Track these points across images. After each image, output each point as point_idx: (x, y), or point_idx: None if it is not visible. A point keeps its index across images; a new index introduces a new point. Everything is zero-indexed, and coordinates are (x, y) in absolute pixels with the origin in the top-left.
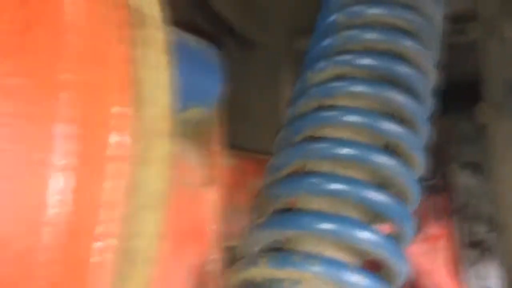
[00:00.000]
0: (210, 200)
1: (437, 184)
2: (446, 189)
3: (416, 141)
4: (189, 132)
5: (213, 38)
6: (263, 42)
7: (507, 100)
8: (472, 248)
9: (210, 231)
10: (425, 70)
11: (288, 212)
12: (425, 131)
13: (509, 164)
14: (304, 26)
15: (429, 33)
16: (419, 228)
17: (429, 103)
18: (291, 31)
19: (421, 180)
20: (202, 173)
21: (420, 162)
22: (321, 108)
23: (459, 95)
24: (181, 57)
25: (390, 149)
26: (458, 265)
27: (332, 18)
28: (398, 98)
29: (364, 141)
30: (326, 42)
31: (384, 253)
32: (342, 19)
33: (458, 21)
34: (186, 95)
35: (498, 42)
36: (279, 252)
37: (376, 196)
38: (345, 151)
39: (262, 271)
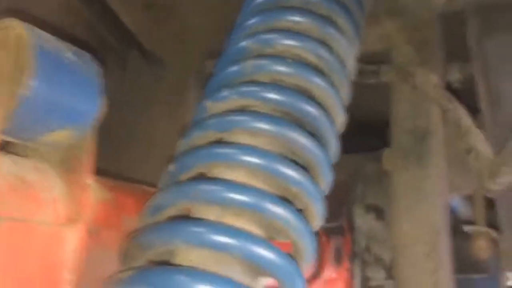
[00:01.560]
0: (70, 242)
1: (340, 226)
2: (349, 232)
3: (316, 190)
4: (54, 158)
5: (117, 51)
6: (173, 61)
7: (413, 150)
8: None
9: (65, 281)
10: (332, 111)
11: (161, 269)
12: (327, 178)
13: (409, 217)
14: (218, 49)
15: (340, 73)
16: (318, 271)
17: (334, 147)
18: (203, 53)
19: (325, 222)
20: (65, 208)
21: (319, 214)
22: (217, 143)
23: (368, 135)
24: (43, 68)
25: (288, 197)
26: None
27: (242, 44)
28: (302, 140)
29: (260, 187)
30: (232, 69)
31: (280, 272)
32: (253, 47)
33: (372, 62)
34: (49, 114)
35: (410, 89)
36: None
37: (266, 254)
38: (237, 196)
39: None
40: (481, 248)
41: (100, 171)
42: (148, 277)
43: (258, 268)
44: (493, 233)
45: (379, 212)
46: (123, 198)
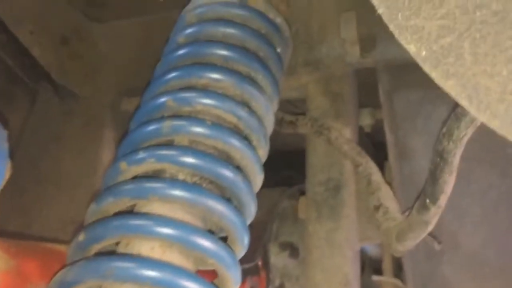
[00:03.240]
0: None
1: (256, 265)
2: (264, 269)
3: (232, 260)
4: None
5: (26, 84)
6: (87, 97)
7: (327, 201)
8: None
9: None
10: (251, 172)
11: None
12: (244, 242)
13: (321, 267)
14: (135, 87)
15: (259, 131)
16: None
17: (251, 209)
18: (119, 90)
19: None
20: None
21: (234, 281)
22: (131, 215)
23: (283, 170)
24: None
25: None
26: None
27: (161, 100)
28: (218, 208)
29: (174, 264)
30: (149, 128)
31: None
32: (171, 104)
33: (290, 111)
34: None
35: (324, 142)
36: None
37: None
38: (151, 273)
39: None
40: None
41: (2, 230)
42: None
43: None
44: (400, 284)
45: (293, 250)
46: (27, 263)
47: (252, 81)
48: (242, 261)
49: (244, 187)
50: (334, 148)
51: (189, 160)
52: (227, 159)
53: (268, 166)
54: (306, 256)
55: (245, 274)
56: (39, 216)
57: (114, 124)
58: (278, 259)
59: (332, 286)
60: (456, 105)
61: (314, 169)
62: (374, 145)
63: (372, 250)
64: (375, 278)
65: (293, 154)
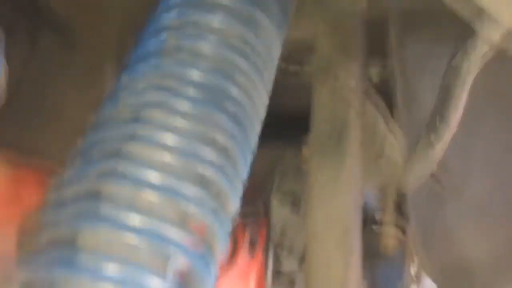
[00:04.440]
0: None
1: (257, 212)
2: (265, 219)
3: (235, 177)
4: None
5: (27, 28)
6: (88, 37)
7: (331, 143)
8: (282, 283)
9: None
10: (255, 97)
11: (63, 249)
12: (246, 166)
13: (323, 209)
14: (140, 27)
15: (265, 59)
16: (233, 257)
17: (254, 136)
18: (124, 30)
19: (242, 204)
20: None
21: (235, 201)
22: (134, 120)
23: (288, 126)
24: None
25: (203, 185)
26: None
27: (166, 15)
28: (223, 128)
29: (176, 173)
30: (153, 42)
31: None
32: (175, 23)
33: (296, 51)
34: None
35: (331, 83)
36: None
37: (177, 238)
38: (149, 177)
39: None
40: (389, 247)
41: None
42: (47, 257)
43: (169, 256)
44: (401, 234)
45: (295, 201)
46: (23, 173)
47: (262, 8)
48: (242, 202)
49: (249, 109)
50: (339, 97)
51: (195, 74)
52: None
53: (273, 123)
54: (307, 205)
55: (245, 222)
56: (40, 149)
57: (116, 65)
58: (279, 210)
59: (332, 235)
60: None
61: (318, 118)
62: (382, 96)
63: (374, 202)
64: (376, 228)
65: (298, 114)
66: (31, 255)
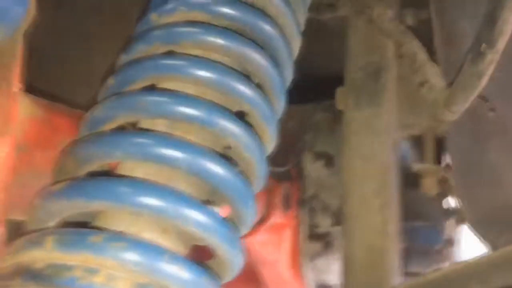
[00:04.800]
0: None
1: (289, 171)
2: (297, 178)
3: (270, 112)
4: None
5: None
6: None
7: (366, 88)
8: (316, 241)
9: None
10: (288, 34)
11: (101, 178)
12: (281, 103)
13: (360, 154)
14: None
15: None
16: (265, 216)
17: (288, 73)
18: None
19: (274, 164)
20: None
21: (272, 137)
22: (166, 55)
23: (319, 85)
24: None
25: (241, 117)
26: (301, 258)
27: None
28: (257, 58)
29: (211, 101)
30: None
31: (215, 239)
32: None
33: None
34: None
35: (364, 25)
36: (75, 230)
37: (215, 168)
38: (186, 110)
39: (46, 254)
40: (429, 186)
41: (35, 92)
42: (87, 186)
43: (207, 184)
44: (442, 172)
45: (328, 160)
46: (58, 118)
47: None
48: (273, 164)
49: (282, 44)
50: (375, 29)
51: (225, 9)
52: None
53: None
54: (344, 145)
55: (279, 178)
56: (68, 96)
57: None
58: (312, 168)
59: (370, 174)
60: None
61: (353, 53)
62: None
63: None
64: (417, 166)
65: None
66: (66, 185)
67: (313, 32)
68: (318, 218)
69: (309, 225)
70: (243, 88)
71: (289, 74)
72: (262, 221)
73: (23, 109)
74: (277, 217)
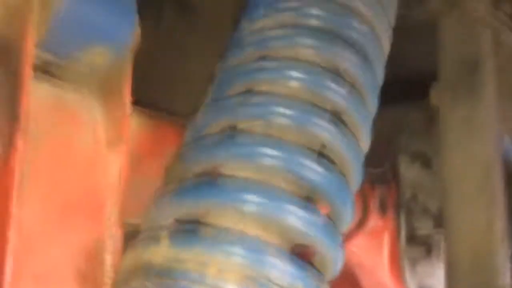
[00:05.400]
0: (112, 165)
1: (384, 174)
2: (393, 180)
3: (364, 110)
4: (92, 82)
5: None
6: (209, 6)
7: (463, 81)
8: (417, 245)
9: (109, 204)
10: (378, 32)
11: (208, 179)
12: (374, 102)
13: (460, 151)
14: None
15: None
16: (362, 220)
17: (380, 71)
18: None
19: (368, 167)
20: (104, 130)
21: (366, 136)
22: (259, 60)
23: (412, 86)
24: None
25: (335, 116)
26: (401, 262)
27: None
28: (348, 57)
29: (307, 103)
30: None
31: (316, 236)
32: None
33: None
34: (83, 27)
35: (458, 16)
36: (187, 227)
37: (314, 168)
38: (282, 111)
39: (163, 250)
40: None
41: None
42: (196, 187)
43: (306, 183)
44: None
45: (425, 161)
46: (164, 128)
47: None
48: (368, 166)
49: (374, 44)
50: (469, 20)
51: (315, 11)
52: None
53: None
54: (443, 142)
55: (374, 181)
56: (173, 109)
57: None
58: (409, 170)
59: (472, 170)
60: None
61: (447, 47)
62: None
63: None
64: None
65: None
66: (179, 186)
67: (404, 29)
68: (417, 221)
69: (409, 228)
70: (336, 88)
71: (381, 73)
72: (359, 225)
73: (133, 120)
74: (374, 221)
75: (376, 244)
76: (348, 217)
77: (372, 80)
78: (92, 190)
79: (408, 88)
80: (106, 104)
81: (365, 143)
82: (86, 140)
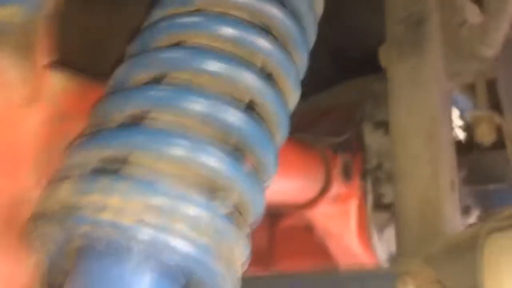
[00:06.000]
0: (29, 123)
1: (348, 141)
2: (358, 148)
3: (292, 66)
4: (3, 39)
5: None
6: None
7: (408, 38)
8: (384, 212)
9: (26, 162)
10: None
11: (132, 123)
12: (303, 56)
13: (406, 106)
14: None
15: None
16: (325, 187)
17: (311, 28)
18: None
19: (332, 135)
20: (20, 91)
21: (294, 92)
22: (185, 14)
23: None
24: None
25: (264, 71)
26: (368, 229)
27: None
28: (277, 14)
29: (237, 57)
30: None
31: (239, 181)
32: None
33: None
34: None
35: None
36: (92, 174)
37: (241, 118)
38: (209, 62)
39: (64, 197)
40: (484, 134)
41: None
42: (115, 133)
43: (228, 132)
44: (496, 117)
45: (388, 128)
46: (90, 88)
47: None
48: (332, 133)
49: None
50: None
51: None
52: None
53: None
54: (391, 100)
55: (337, 148)
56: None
57: None
58: (373, 138)
59: (418, 126)
60: None
61: (393, 5)
62: None
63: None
64: (470, 113)
65: None
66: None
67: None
68: (383, 188)
69: (375, 195)
70: (266, 43)
71: (312, 29)
72: (322, 192)
73: (57, 80)
74: (338, 188)
75: (343, 211)
76: (271, 171)
77: (299, 35)
78: (11, 148)
79: (374, 59)
80: (22, 63)
81: (293, 99)
82: (3, 99)
